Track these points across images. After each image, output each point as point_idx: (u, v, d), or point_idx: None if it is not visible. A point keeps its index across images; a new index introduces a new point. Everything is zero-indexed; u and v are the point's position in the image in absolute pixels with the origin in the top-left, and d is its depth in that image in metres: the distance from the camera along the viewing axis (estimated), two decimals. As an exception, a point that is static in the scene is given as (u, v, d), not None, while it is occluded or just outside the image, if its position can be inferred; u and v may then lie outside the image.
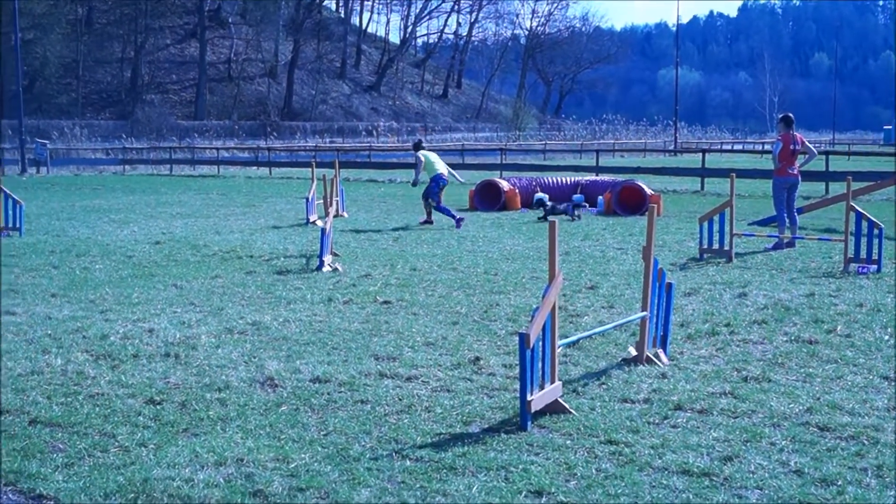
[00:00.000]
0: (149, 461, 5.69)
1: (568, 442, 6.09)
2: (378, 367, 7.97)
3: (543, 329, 6.57)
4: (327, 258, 13.86)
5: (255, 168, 49.91)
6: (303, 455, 5.80)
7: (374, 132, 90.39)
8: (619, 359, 8.30)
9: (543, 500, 5.15)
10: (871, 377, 7.73)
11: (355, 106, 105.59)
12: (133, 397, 7.04)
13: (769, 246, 16.07)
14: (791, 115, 16.45)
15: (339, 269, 13.67)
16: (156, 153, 58.19)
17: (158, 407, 6.80)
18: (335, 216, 17.48)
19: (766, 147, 68.47)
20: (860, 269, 13.63)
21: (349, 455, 5.82)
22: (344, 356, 8.38)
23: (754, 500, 5.15)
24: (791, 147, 16.14)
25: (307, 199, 21.65)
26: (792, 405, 6.87)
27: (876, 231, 13.76)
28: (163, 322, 9.86)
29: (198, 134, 78.57)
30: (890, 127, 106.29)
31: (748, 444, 6.05)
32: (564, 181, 26.80)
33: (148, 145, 64.25)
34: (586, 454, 5.86)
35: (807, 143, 16.63)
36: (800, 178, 16.58)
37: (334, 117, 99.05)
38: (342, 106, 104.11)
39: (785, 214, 16.27)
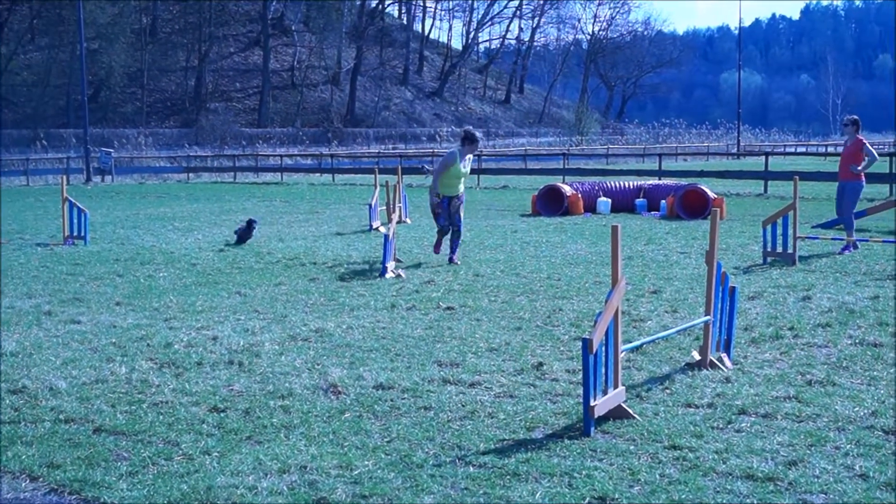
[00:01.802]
0: (213, 469, 5.73)
1: (631, 447, 6.06)
2: (441, 373, 7.98)
3: (606, 334, 6.54)
4: (390, 264, 13.89)
5: (318, 175, 50.28)
6: (366, 462, 5.81)
7: (437, 138, 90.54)
8: (683, 363, 8.24)
9: (607, 506, 5.13)
10: (939, 381, 7.63)
11: (418, 112, 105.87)
12: (197, 405, 7.10)
13: (843, 249, 15.77)
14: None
15: (402, 275, 13.70)
16: (220, 161, 58.91)
17: (222, 415, 6.86)
18: (398, 222, 17.52)
19: (830, 150, 67.70)
20: (931, 271, 13.44)
21: (412, 462, 5.82)
22: (407, 363, 8.40)
23: (819, 506, 5.09)
24: None
25: (370, 205, 21.76)
26: (857, 409, 6.80)
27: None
28: (226, 329, 9.94)
29: (261, 141, 79.31)
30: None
31: (813, 448, 6.00)
32: (627, 185, 26.69)
33: (212, 153, 65.01)
34: (650, 460, 5.82)
35: None
36: None
37: (397, 123, 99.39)
38: (405, 112, 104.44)
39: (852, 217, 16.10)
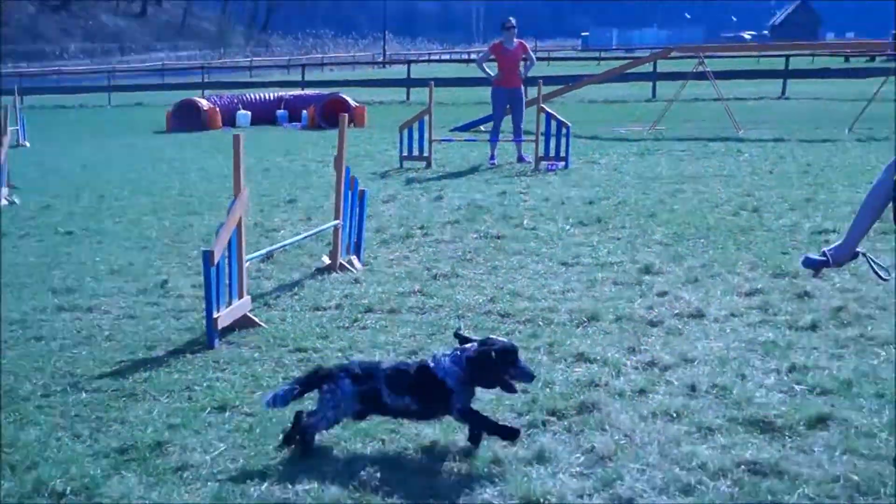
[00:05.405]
0: None
1: (256, 355, 6.01)
2: (56, 300, 7.50)
3: (229, 245, 6.41)
4: (4, 191, 12.97)
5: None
6: (-36, 401, 5.34)
7: (65, 55, 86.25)
8: (314, 269, 8.22)
9: (227, 414, 5.04)
10: (551, 264, 8.11)
11: (41, 27, 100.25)
12: None
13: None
14: None
15: (17, 201, 12.81)
16: None
17: None
18: (16, 146, 16.40)
19: (472, 56, 69.80)
20: (549, 166, 14.17)
21: (18, 395, 5.43)
22: (17, 293, 7.82)
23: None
24: None
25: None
26: (477, 297, 7.09)
27: (564, 130, 14.33)
28: None
29: None
30: (587, 34, 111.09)
31: (433, 336, 6.20)
32: (267, 97, 26.44)
33: None
34: (274, 364, 5.81)
35: None
36: None
37: (17, 40, 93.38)
38: (26, 27, 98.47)
39: None
